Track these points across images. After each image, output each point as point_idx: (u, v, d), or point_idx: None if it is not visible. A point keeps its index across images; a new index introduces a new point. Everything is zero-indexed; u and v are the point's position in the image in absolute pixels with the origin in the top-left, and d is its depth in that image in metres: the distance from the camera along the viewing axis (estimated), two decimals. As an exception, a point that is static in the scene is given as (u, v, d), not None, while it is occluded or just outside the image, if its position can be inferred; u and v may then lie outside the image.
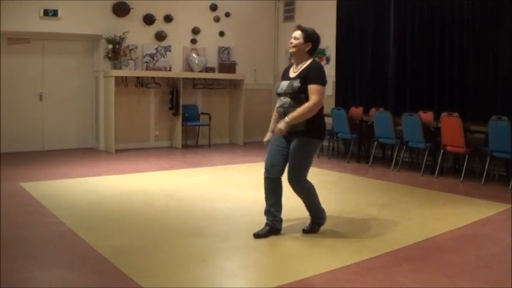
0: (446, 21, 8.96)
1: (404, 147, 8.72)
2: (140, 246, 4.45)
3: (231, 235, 4.88)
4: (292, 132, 4.55)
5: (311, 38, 4.66)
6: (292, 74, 4.72)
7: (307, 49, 4.66)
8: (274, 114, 4.97)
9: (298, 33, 4.66)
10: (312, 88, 4.49)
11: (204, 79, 11.50)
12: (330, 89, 11.14)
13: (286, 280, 3.70)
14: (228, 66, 11.73)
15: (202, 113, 11.46)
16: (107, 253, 4.19)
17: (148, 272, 3.82)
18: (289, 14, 12.55)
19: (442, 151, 8.08)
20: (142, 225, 5.13)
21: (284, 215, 5.04)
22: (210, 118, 11.23)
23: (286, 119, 4.47)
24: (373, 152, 9.23)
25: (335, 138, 10.04)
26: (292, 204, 6.00)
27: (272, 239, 4.76)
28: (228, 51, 12.01)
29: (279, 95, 4.75)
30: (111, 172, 7.98)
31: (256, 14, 12.48)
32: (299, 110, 4.46)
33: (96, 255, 4.17)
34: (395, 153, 8.85)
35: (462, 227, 5.22)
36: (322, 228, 5.04)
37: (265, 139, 4.97)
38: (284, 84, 4.70)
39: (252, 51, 12.37)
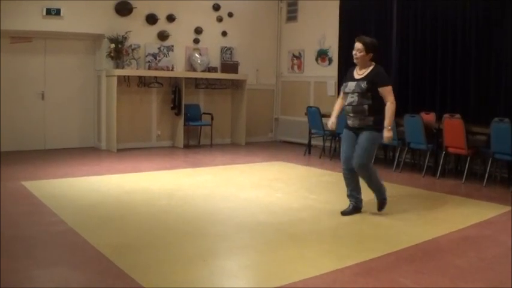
0: (448, 22, 8.94)
1: (406, 149, 8.71)
2: (141, 246, 4.45)
3: (232, 235, 4.88)
4: (361, 126, 5.42)
5: (372, 48, 5.50)
6: (357, 76, 5.50)
7: (369, 58, 5.50)
8: (338, 103, 5.78)
9: (360, 46, 5.47)
10: (386, 89, 5.37)
11: (207, 79, 11.50)
12: (332, 89, 11.14)
13: (287, 281, 3.69)
14: (230, 66, 11.73)
15: (204, 113, 11.46)
16: (108, 252, 4.19)
17: (149, 271, 3.82)
18: (292, 15, 12.55)
19: (443, 152, 8.07)
20: (143, 225, 5.13)
21: (286, 216, 5.05)
22: (212, 118, 11.23)
23: (388, 126, 5.32)
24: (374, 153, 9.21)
25: (337, 139, 10.02)
26: (292, 205, 6.01)
27: (272, 239, 4.77)
28: (231, 51, 12.02)
29: (347, 93, 5.51)
30: (113, 171, 7.99)
31: (259, 14, 12.49)
32: (388, 115, 5.32)
33: (97, 254, 4.17)
34: (397, 154, 8.84)
35: (463, 229, 5.22)
36: (323, 228, 5.05)
37: (331, 122, 5.67)
38: (352, 84, 5.48)
39: (254, 51, 12.37)
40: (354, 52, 5.50)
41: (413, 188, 7.35)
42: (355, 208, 5.63)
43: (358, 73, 5.52)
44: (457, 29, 8.82)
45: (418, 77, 9.46)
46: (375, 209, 5.81)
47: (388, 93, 5.37)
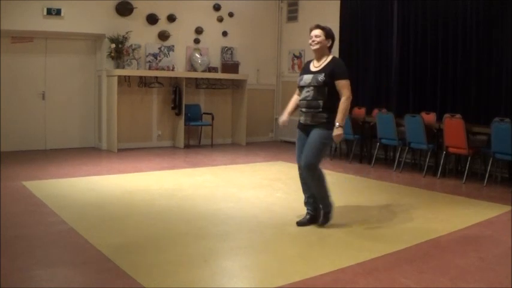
0: (449, 22, 8.95)
1: (407, 149, 8.71)
2: (142, 246, 4.45)
3: (233, 235, 4.88)
4: (313, 123, 4.98)
5: (330, 34, 5.11)
6: (314, 69, 5.07)
7: (328, 45, 5.08)
8: (292, 100, 5.34)
9: (319, 31, 5.07)
10: (342, 83, 4.93)
11: (207, 79, 11.51)
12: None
13: (288, 280, 3.69)
14: (231, 66, 11.74)
15: (205, 113, 11.47)
16: (109, 252, 4.19)
17: (150, 272, 3.82)
18: (292, 15, 12.55)
19: (444, 152, 8.07)
20: (144, 225, 5.13)
21: (287, 216, 5.05)
22: (212, 118, 11.23)
23: (338, 124, 4.84)
24: (375, 153, 9.23)
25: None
26: (293, 205, 6.01)
27: (273, 240, 4.77)
28: (231, 51, 12.02)
29: (302, 87, 5.08)
30: (113, 171, 7.99)
31: (259, 14, 12.49)
32: (340, 110, 4.87)
33: (98, 254, 4.18)
34: (398, 154, 8.84)
35: (464, 229, 5.22)
36: (324, 228, 5.06)
37: (283, 119, 5.24)
38: (308, 77, 5.04)
39: (255, 51, 12.37)
40: (311, 40, 5.05)
41: (413, 188, 7.35)
42: (312, 218, 5.17)
43: (315, 65, 5.08)
44: (458, 29, 8.82)
45: (419, 77, 9.46)
46: (375, 209, 5.81)
47: (344, 87, 4.91)
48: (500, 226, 5.38)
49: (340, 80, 4.93)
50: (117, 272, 3.80)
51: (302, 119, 5.12)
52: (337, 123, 4.85)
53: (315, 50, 5.08)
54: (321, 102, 4.93)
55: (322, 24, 5.29)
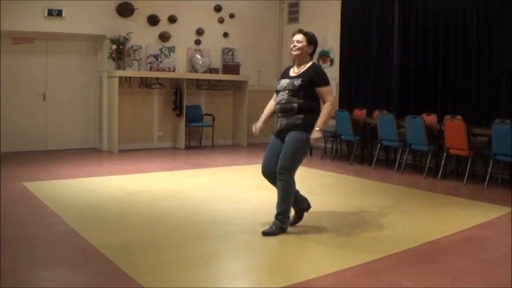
0: (450, 23, 8.94)
1: (408, 150, 8.71)
2: (142, 247, 4.45)
3: (234, 236, 4.88)
4: (289, 126, 4.81)
5: (313, 40, 4.96)
6: (293, 74, 4.95)
7: (309, 51, 4.95)
8: (267, 107, 5.26)
9: (300, 37, 4.92)
10: (325, 90, 4.82)
11: (208, 80, 11.51)
12: (333, 91, 11.13)
13: (289, 282, 3.69)
14: (231, 68, 11.74)
15: (206, 114, 11.47)
16: (109, 253, 4.19)
17: (151, 273, 3.82)
18: (293, 16, 12.56)
19: (445, 154, 8.07)
20: (144, 226, 5.13)
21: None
22: (213, 119, 11.24)
23: (317, 128, 4.72)
24: (376, 154, 9.23)
25: (338, 140, 10.03)
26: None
27: (274, 240, 4.76)
28: (232, 53, 12.02)
29: (278, 91, 4.97)
30: (114, 172, 7.99)
31: (260, 16, 12.50)
32: (324, 115, 4.76)
33: (99, 255, 4.17)
34: (399, 156, 8.84)
35: (465, 230, 5.21)
36: (324, 230, 5.06)
37: (256, 126, 5.14)
38: (285, 82, 4.92)
39: (256, 52, 12.38)
40: (293, 45, 4.91)
41: (414, 190, 7.35)
42: (299, 213, 5.18)
43: (295, 71, 4.95)
44: (459, 31, 8.82)
45: (420, 79, 9.46)
46: (376, 211, 5.81)
47: (327, 93, 4.80)
48: (500, 227, 5.38)
49: (321, 87, 4.81)
50: (118, 272, 3.80)
51: (278, 124, 4.94)
52: (317, 127, 4.73)
53: (296, 56, 4.95)
54: (295, 105, 4.79)
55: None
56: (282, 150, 4.81)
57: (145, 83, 10.67)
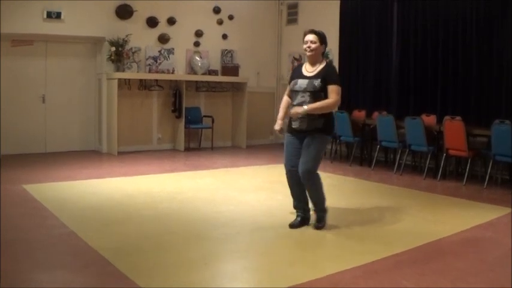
0: (449, 23, 8.95)
1: (407, 151, 8.71)
2: (142, 249, 4.45)
3: (233, 238, 4.88)
4: (310, 129, 4.93)
5: (325, 40, 5.11)
6: (308, 73, 5.03)
7: (322, 51, 5.09)
8: (284, 105, 5.28)
9: (313, 37, 5.03)
10: (333, 88, 4.89)
11: (207, 82, 11.51)
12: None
13: (288, 283, 3.69)
14: (231, 69, 11.75)
15: (205, 116, 11.47)
16: (109, 255, 4.19)
17: (150, 275, 3.82)
18: (292, 17, 12.56)
19: (444, 155, 8.07)
20: (144, 228, 5.13)
21: (287, 219, 5.05)
22: (212, 121, 11.24)
23: (305, 107, 4.83)
24: (375, 155, 9.23)
25: (338, 141, 10.03)
26: (293, 208, 6.01)
27: (274, 242, 4.77)
28: (231, 54, 12.03)
29: (297, 92, 5.01)
30: (114, 174, 7.99)
31: (259, 17, 12.50)
32: (320, 103, 4.83)
33: (98, 257, 4.17)
34: (398, 157, 8.84)
35: (465, 231, 5.22)
36: (324, 231, 5.05)
37: (277, 127, 5.24)
38: (303, 82, 4.98)
39: (255, 54, 12.38)
40: (306, 45, 5.02)
41: (414, 190, 7.35)
42: (304, 219, 5.21)
43: (308, 70, 5.05)
44: (458, 31, 8.83)
45: (419, 79, 9.46)
46: (375, 212, 5.82)
47: (334, 92, 4.87)
48: (500, 228, 5.39)
49: (331, 84, 4.90)
50: (118, 274, 3.80)
51: (295, 124, 5.04)
52: (305, 106, 4.84)
53: (310, 56, 5.07)
54: None
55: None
56: (302, 150, 4.99)
57: (144, 85, 10.67)
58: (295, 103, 5.02)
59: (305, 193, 5.18)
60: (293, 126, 5.08)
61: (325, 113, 4.93)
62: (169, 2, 10.95)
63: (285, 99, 5.30)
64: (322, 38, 5.05)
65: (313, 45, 5.00)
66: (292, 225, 5.16)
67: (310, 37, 5.03)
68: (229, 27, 11.98)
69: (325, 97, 4.89)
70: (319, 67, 5.01)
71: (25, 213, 5.54)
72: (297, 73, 5.16)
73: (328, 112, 4.97)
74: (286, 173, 5.21)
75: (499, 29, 8.27)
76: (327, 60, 5.16)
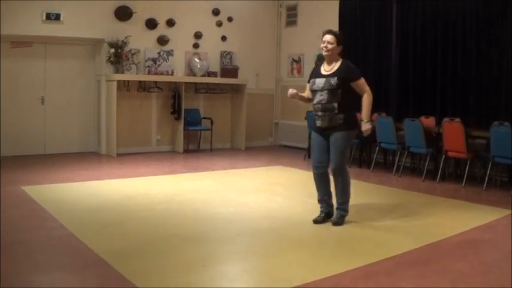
0: (449, 25, 8.95)
1: (406, 153, 8.71)
2: (141, 251, 4.45)
3: (232, 240, 4.87)
4: (332, 126, 5.18)
5: (342, 40, 5.28)
6: (325, 72, 5.25)
7: (339, 51, 5.27)
8: (304, 94, 5.55)
9: (331, 38, 5.22)
10: (360, 83, 5.22)
11: (206, 84, 11.52)
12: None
13: (288, 285, 3.69)
14: (230, 71, 11.75)
15: (204, 118, 11.47)
16: (108, 257, 4.18)
17: (149, 276, 3.81)
18: (291, 19, 12.58)
19: (443, 156, 8.07)
20: (143, 230, 5.12)
21: (286, 221, 5.04)
22: (211, 123, 11.24)
23: (365, 119, 5.20)
24: (374, 157, 9.23)
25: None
26: (292, 210, 6.01)
27: (273, 244, 4.77)
28: (230, 56, 12.03)
29: (315, 91, 5.26)
30: (113, 176, 7.99)
31: (258, 19, 12.51)
32: (366, 107, 5.19)
33: (97, 259, 4.17)
34: (397, 159, 8.84)
35: (464, 232, 5.22)
36: (323, 233, 5.06)
37: (292, 91, 5.38)
38: (320, 81, 5.22)
39: (254, 56, 12.39)
40: (323, 45, 5.22)
41: (413, 192, 7.35)
42: (327, 215, 5.42)
43: (326, 69, 5.28)
44: (457, 33, 8.83)
45: (418, 81, 9.47)
46: (375, 214, 5.82)
47: (362, 86, 5.22)
48: (500, 230, 5.39)
49: (356, 81, 5.19)
50: (117, 276, 3.80)
51: (318, 122, 5.28)
52: (364, 119, 5.19)
53: (326, 56, 5.25)
54: (335, 104, 5.13)
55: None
56: (328, 147, 5.24)
57: (143, 87, 10.67)
58: (315, 102, 5.27)
59: (330, 188, 5.41)
60: (317, 125, 5.32)
61: (344, 109, 5.13)
62: (168, 4, 10.96)
63: (306, 93, 5.56)
64: (339, 39, 5.23)
65: (330, 46, 5.19)
66: (317, 221, 5.34)
67: (328, 37, 5.22)
68: (229, 29, 11.98)
69: (342, 94, 5.11)
70: (336, 66, 5.22)
71: (24, 214, 5.53)
72: (315, 73, 5.39)
73: (350, 108, 5.20)
74: (313, 169, 5.39)
75: (499, 30, 8.27)
76: (342, 59, 5.32)
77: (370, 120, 5.27)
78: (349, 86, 5.18)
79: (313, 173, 5.42)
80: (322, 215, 5.41)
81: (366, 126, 5.22)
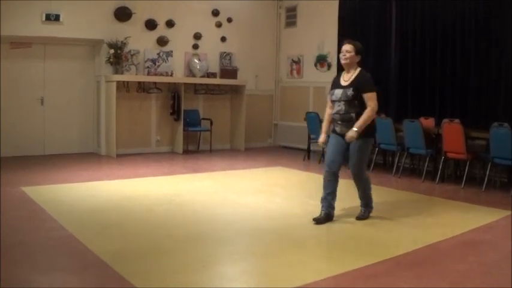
0: (448, 27, 8.97)
1: (406, 154, 8.71)
2: (140, 251, 4.45)
3: (232, 241, 4.88)
4: None
5: (361, 51, 5.44)
6: (343, 83, 5.42)
7: (357, 60, 5.42)
8: (327, 118, 5.68)
9: (350, 47, 5.39)
10: (369, 96, 5.29)
11: (206, 84, 11.52)
12: (331, 94, 11.12)
13: (287, 286, 3.69)
14: (229, 72, 11.75)
15: (204, 119, 11.47)
16: (107, 258, 4.18)
17: (149, 277, 3.81)
18: (291, 20, 12.58)
19: (443, 157, 8.08)
20: (142, 230, 5.12)
21: (286, 221, 5.03)
22: (211, 123, 11.23)
23: (355, 128, 5.20)
24: (374, 158, 9.22)
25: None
26: (292, 211, 6.02)
27: (273, 245, 4.76)
28: (230, 57, 12.03)
29: (334, 101, 5.45)
30: (112, 177, 7.98)
31: (258, 20, 12.51)
32: (362, 119, 5.23)
33: (97, 260, 4.17)
34: (397, 160, 8.84)
35: (463, 234, 5.22)
36: (323, 234, 5.06)
37: (321, 140, 5.64)
38: (338, 92, 5.40)
39: (253, 56, 12.39)
40: (342, 54, 5.42)
41: (412, 193, 7.35)
42: (328, 216, 5.43)
43: (344, 79, 5.44)
44: (456, 34, 8.84)
45: (418, 82, 9.47)
46: (374, 215, 5.82)
47: (370, 99, 5.29)
48: (499, 231, 5.39)
49: (366, 93, 5.28)
50: (116, 277, 3.80)
51: (338, 129, 5.46)
52: (355, 128, 5.20)
53: (345, 64, 5.43)
54: (353, 115, 5.30)
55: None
56: (345, 149, 5.42)
57: (143, 88, 10.67)
58: (334, 112, 5.46)
59: (336, 190, 5.51)
60: (336, 130, 5.50)
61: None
62: (168, 5, 10.96)
63: (328, 112, 5.66)
64: (357, 49, 5.39)
65: (348, 54, 5.37)
66: (318, 220, 5.38)
67: (347, 47, 5.40)
68: (228, 30, 11.98)
69: (359, 104, 5.27)
70: (353, 76, 5.38)
71: (24, 215, 5.53)
72: (335, 83, 5.55)
73: None
74: (326, 167, 5.50)
75: (498, 30, 8.27)
76: (360, 69, 5.46)
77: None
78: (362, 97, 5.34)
79: (325, 171, 5.50)
80: (323, 214, 5.42)
81: (351, 133, 5.22)
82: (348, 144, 5.39)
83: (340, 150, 5.43)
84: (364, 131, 5.27)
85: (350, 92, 5.28)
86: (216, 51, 11.85)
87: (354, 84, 5.32)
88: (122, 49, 10.16)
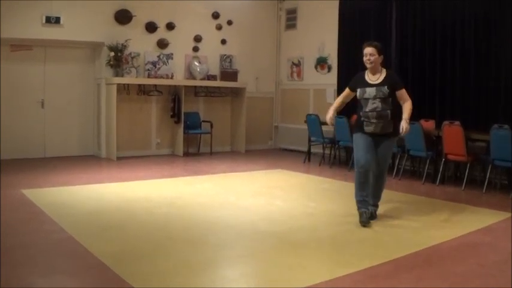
0: (448, 29, 8.96)
1: (406, 156, 8.71)
2: (141, 254, 4.44)
3: (232, 243, 4.87)
4: (383, 133, 5.51)
5: (382, 50, 5.55)
6: (373, 82, 5.50)
7: (381, 61, 5.54)
8: (338, 103, 5.83)
9: (372, 50, 5.47)
10: (402, 92, 5.48)
11: (206, 87, 11.53)
12: (331, 97, 11.14)
13: (287, 288, 3.69)
14: (230, 74, 11.76)
15: (204, 121, 11.47)
16: (108, 260, 4.18)
17: (149, 280, 3.81)
18: (291, 22, 12.59)
19: (443, 159, 8.07)
20: (143, 233, 5.12)
21: (286, 224, 5.03)
22: (211, 126, 11.24)
23: (407, 119, 5.33)
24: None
25: (336, 146, 10.04)
26: (292, 213, 6.02)
27: (273, 247, 4.76)
28: (230, 59, 12.04)
29: (367, 99, 5.50)
30: (113, 179, 7.98)
31: (258, 22, 12.52)
32: (409, 109, 5.40)
33: (97, 262, 4.17)
34: (397, 162, 8.84)
35: (463, 236, 5.21)
36: (323, 236, 5.06)
37: (329, 116, 5.64)
38: (372, 90, 5.48)
39: (254, 59, 12.40)
40: (366, 58, 5.48)
41: (413, 195, 7.35)
42: (371, 215, 5.61)
43: (372, 78, 5.53)
44: (456, 36, 8.84)
45: (418, 84, 9.45)
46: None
47: (405, 94, 5.47)
48: (499, 233, 5.38)
49: (400, 89, 5.46)
50: (116, 280, 3.80)
51: (369, 128, 5.52)
52: (407, 119, 5.34)
53: (371, 68, 5.51)
54: (389, 112, 5.44)
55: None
56: (377, 153, 5.58)
57: (143, 90, 10.68)
58: (367, 110, 5.49)
59: (369, 189, 5.63)
60: (366, 131, 5.55)
61: (394, 116, 5.44)
62: (168, 7, 10.97)
63: (339, 99, 5.85)
64: (379, 49, 5.49)
65: (372, 58, 5.45)
66: (365, 222, 5.44)
67: (370, 50, 5.47)
68: (228, 33, 12.00)
69: (393, 101, 5.43)
70: (382, 75, 5.50)
71: (24, 218, 5.53)
72: (361, 82, 5.59)
73: (398, 115, 5.41)
74: (359, 168, 5.54)
75: (498, 30, 8.27)
76: (386, 68, 5.60)
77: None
78: (395, 95, 5.46)
79: (359, 172, 5.54)
80: (368, 215, 5.53)
81: (405, 125, 5.32)
82: (374, 143, 5.54)
83: (371, 149, 5.54)
84: (392, 131, 5.49)
85: (385, 89, 5.40)
86: (216, 54, 11.86)
87: (386, 82, 5.44)
88: (122, 52, 10.17)
